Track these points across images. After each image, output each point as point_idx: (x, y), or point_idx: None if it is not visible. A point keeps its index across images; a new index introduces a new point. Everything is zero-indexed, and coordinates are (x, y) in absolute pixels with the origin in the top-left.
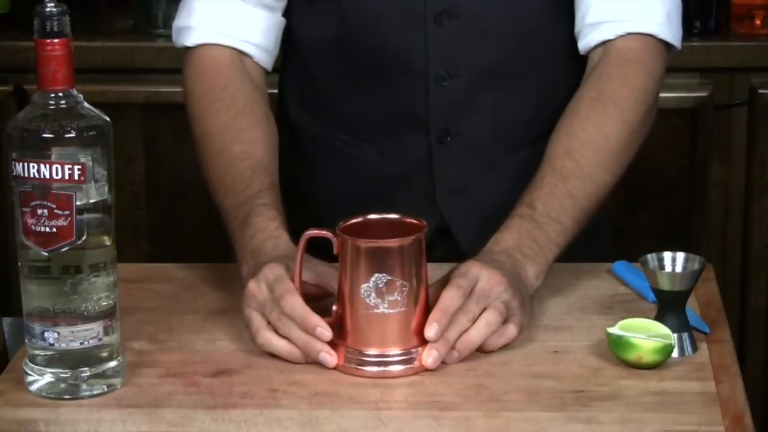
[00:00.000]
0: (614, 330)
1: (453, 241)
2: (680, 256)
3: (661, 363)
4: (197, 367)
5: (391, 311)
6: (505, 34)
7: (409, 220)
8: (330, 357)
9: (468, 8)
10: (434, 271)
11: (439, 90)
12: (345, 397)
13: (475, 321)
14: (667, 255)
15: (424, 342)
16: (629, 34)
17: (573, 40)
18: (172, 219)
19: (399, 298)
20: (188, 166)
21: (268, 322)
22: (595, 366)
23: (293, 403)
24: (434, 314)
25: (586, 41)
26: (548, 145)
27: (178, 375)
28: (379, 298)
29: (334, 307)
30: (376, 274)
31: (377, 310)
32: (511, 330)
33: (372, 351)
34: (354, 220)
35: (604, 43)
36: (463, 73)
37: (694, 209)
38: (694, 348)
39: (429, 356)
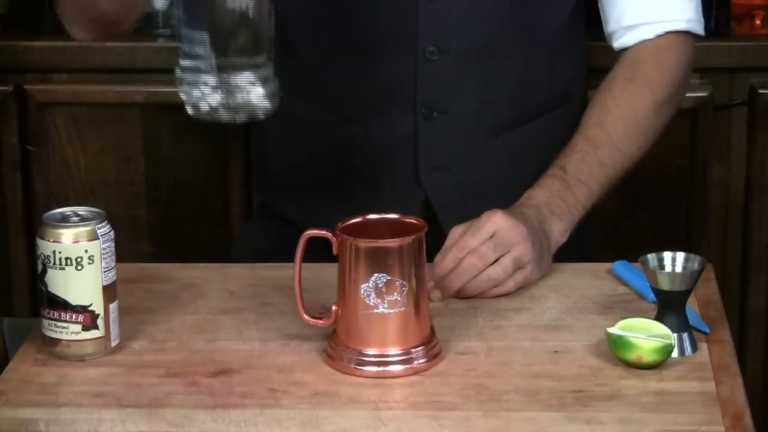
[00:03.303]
0: (614, 330)
1: (438, 229)
2: (680, 256)
3: (661, 363)
4: (197, 367)
5: (390, 311)
6: (496, 12)
7: (408, 219)
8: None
9: None
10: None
11: (427, 66)
12: (345, 397)
13: (487, 265)
14: (667, 255)
15: (423, 342)
16: (666, 33)
17: (562, 22)
18: (172, 219)
19: (398, 298)
20: (188, 166)
21: None
22: (595, 366)
23: (293, 403)
24: (452, 250)
25: (622, 41)
26: (582, 118)
27: (178, 375)
28: (378, 298)
29: (334, 307)
30: (376, 274)
31: (377, 310)
32: (509, 284)
33: (371, 351)
34: (353, 220)
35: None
36: (452, 49)
37: (694, 209)
38: (694, 348)
39: (434, 295)
